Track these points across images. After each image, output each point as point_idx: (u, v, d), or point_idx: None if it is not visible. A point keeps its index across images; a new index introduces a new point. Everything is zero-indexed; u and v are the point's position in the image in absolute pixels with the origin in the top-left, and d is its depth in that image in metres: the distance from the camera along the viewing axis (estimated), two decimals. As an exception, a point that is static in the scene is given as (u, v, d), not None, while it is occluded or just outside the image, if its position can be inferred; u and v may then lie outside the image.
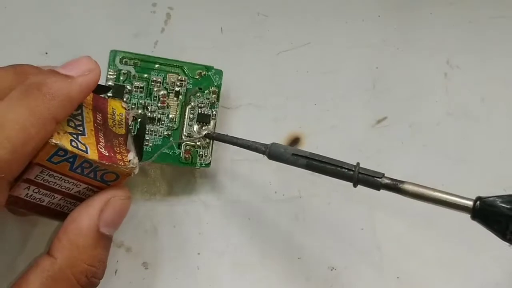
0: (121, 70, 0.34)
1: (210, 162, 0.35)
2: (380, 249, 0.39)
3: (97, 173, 0.28)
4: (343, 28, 0.40)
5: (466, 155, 0.40)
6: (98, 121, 0.29)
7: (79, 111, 0.29)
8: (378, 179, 0.29)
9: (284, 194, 0.38)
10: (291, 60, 0.39)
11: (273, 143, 0.32)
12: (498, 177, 0.40)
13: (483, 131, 0.40)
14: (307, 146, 0.39)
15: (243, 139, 0.33)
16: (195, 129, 0.35)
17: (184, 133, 0.35)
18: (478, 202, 0.26)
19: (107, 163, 0.28)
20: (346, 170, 0.30)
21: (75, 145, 0.27)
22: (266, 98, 0.39)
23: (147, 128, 0.34)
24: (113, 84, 0.34)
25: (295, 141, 0.39)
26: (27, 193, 0.28)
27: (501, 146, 0.40)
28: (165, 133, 0.35)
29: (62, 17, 0.37)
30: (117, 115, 0.31)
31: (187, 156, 0.35)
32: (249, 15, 0.39)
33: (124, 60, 0.34)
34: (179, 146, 0.35)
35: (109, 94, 0.34)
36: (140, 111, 0.34)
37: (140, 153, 0.31)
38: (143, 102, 0.35)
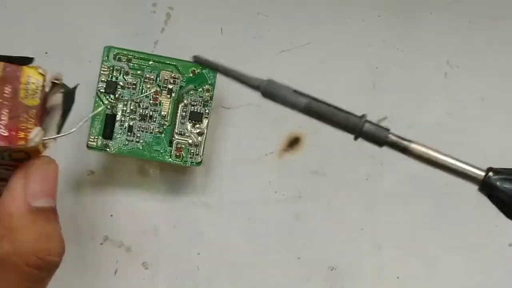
0: (115, 66, 0.34)
1: (201, 160, 0.35)
2: (380, 249, 0.39)
3: (3, 154, 0.27)
4: (343, 28, 0.40)
5: (466, 155, 0.40)
6: (5, 95, 0.27)
7: None
8: (383, 134, 0.26)
9: (284, 194, 0.38)
10: (291, 60, 0.39)
11: (269, 79, 0.27)
12: (498, 177, 0.40)
13: (483, 131, 0.40)
14: (307, 146, 0.39)
15: (235, 70, 0.28)
16: (188, 127, 0.35)
17: (176, 131, 0.35)
18: (489, 173, 0.24)
19: (3, 145, 0.26)
20: (350, 117, 0.26)
21: None
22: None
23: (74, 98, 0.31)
24: (105, 80, 0.34)
25: (295, 141, 0.39)
26: None
27: (501, 146, 0.40)
28: (157, 130, 0.35)
29: (62, 17, 0.37)
30: (32, 83, 0.28)
31: (178, 154, 0.35)
32: (249, 15, 0.39)
33: (118, 56, 0.35)
34: (170, 144, 0.35)
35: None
36: (59, 74, 0.31)
37: (60, 125, 0.29)
38: (135, 99, 0.35)
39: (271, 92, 0.27)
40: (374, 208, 0.39)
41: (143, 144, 0.34)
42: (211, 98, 0.35)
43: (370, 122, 0.27)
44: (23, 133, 0.27)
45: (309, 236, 0.38)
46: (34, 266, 0.26)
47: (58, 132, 0.29)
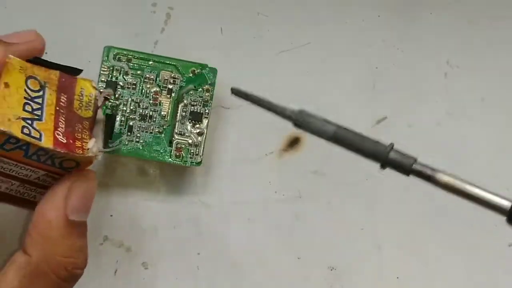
0: (115, 66, 0.35)
1: (201, 160, 0.35)
2: (380, 249, 0.39)
3: (54, 160, 0.27)
4: (343, 28, 0.40)
5: (466, 155, 0.40)
6: (61, 103, 0.28)
7: (40, 93, 0.27)
8: (409, 162, 0.26)
9: (284, 194, 0.38)
10: (291, 60, 0.39)
11: (301, 108, 0.28)
12: (498, 177, 0.40)
13: (483, 131, 0.40)
14: (307, 146, 0.39)
15: (270, 101, 0.29)
16: (188, 127, 0.35)
17: (176, 131, 0.35)
18: None
19: (62, 151, 0.26)
20: (376, 145, 0.26)
21: (27, 132, 0.25)
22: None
23: (117, 115, 0.33)
24: (105, 80, 0.34)
25: (295, 141, 0.39)
26: None
27: (501, 146, 0.40)
28: (157, 130, 0.35)
29: (62, 17, 0.37)
30: (86, 95, 0.29)
31: (178, 154, 0.35)
32: (249, 15, 0.39)
33: (117, 56, 0.35)
34: (170, 144, 0.35)
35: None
36: (111, 91, 0.33)
37: (106, 139, 0.30)
38: (135, 99, 0.35)
39: (302, 121, 0.28)
40: (374, 208, 0.39)
41: (143, 144, 0.35)
42: (211, 98, 0.35)
43: (396, 150, 0.26)
44: (79, 142, 0.28)
45: (309, 236, 0.38)
46: (63, 278, 0.27)
47: (105, 145, 0.30)
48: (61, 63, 0.28)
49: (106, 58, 0.35)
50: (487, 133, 0.40)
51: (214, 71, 0.35)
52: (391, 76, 0.40)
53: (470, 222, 0.38)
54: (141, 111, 0.35)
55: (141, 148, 0.34)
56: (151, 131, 0.35)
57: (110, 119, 0.33)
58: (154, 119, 0.35)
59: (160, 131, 0.35)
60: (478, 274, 0.39)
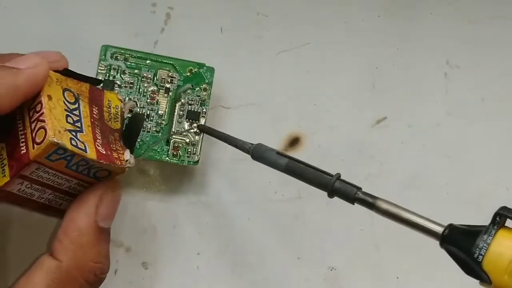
0: (112, 65, 0.35)
1: (198, 160, 0.35)
2: (380, 249, 0.39)
3: (91, 170, 0.28)
4: (343, 28, 0.40)
5: (466, 155, 0.40)
6: (94, 115, 0.29)
7: (76, 105, 0.28)
8: (352, 191, 0.28)
9: (284, 194, 0.38)
10: (291, 60, 0.39)
11: (258, 143, 0.31)
12: (498, 177, 0.40)
13: (483, 131, 0.40)
14: (307, 146, 0.39)
15: (232, 137, 0.32)
16: (185, 126, 0.35)
17: (173, 130, 0.35)
18: (447, 230, 0.25)
19: (105, 163, 0.27)
20: (323, 176, 0.29)
21: (75, 144, 0.26)
22: (266, 98, 0.39)
23: (144, 124, 0.34)
24: (102, 79, 0.34)
25: (295, 141, 0.39)
26: (20, 188, 0.27)
27: (501, 146, 0.40)
28: (154, 129, 0.35)
29: (62, 17, 0.37)
30: (113, 107, 0.30)
31: (175, 153, 0.35)
32: (249, 15, 0.39)
33: (115, 55, 0.35)
34: (167, 143, 0.35)
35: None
36: (135, 104, 0.34)
37: (131, 148, 0.30)
38: (132, 98, 0.35)
39: (258, 154, 0.30)
40: (374, 208, 0.39)
41: (140, 143, 0.34)
42: (209, 97, 0.35)
43: (342, 180, 0.28)
44: (116, 153, 0.29)
45: (309, 236, 0.38)
46: (91, 282, 0.28)
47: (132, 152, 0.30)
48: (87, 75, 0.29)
49: (103, 56, 0.35)
50: (487, 133, 0.40)
51: (211, 70, 0.35)
52: (391, 76, 0.40)
53: (470, 222, 0.38)
54: (138, 110, 0.35)
55: (138, 147, 0.34)
56: (148, 130, 0.35)
57: (133, 125, 0.33)
58: (152, 118, 0.35)
59: (158, 130, 0.35)
60: (478, 274, 0.39)
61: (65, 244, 0.27)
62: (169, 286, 0.37)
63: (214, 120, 0.37)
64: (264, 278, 0.37)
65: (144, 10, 0.38)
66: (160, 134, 0.35)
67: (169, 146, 0.35)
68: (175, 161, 0.35)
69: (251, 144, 0.31)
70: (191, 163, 0.35)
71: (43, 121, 0.26)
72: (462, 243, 0.25)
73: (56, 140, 0.26)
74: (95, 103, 0.29)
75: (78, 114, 0.28)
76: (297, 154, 0.39)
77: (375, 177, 0.39)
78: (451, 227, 0.25)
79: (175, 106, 0.35)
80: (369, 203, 0.28)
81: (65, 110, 0.27)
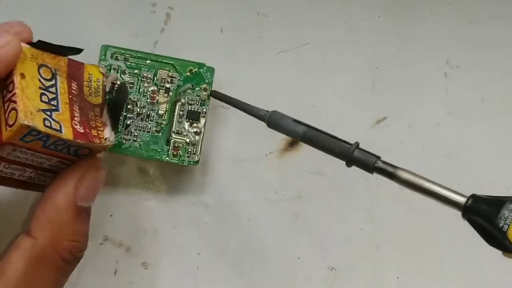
0: (112, 65, 0.35)
1: (198, 160, 0.35)
2: (380, 249, 0.39)
3: (70, 148, 0.27)
4: (343, 28, 0.40)
5: (466, 155, 0.40)
6: (73, 91, 0.28)
7: (53, 81, 0.27)
8: (372, 160, 0.27)
9: (284, 194, 0.38)
10: (291, 60, 0.39)
11: (274, 110, 0.30)
12: (498, 177, 0.40)
13: (483, 131, 0.40)
14: (307, 146, 0.38)
15: (245, 103, 0.31)
16: (185, 126, 0.35)
17: (173, 130, 0.35)
18: (470, 199, 0.25)
19: (82, 142, 0.27)
20: (342, 144, 0.28)
21: (49, 125, 0.25)
22: (266, 98, 0.39)
23: (129, 97, 0.33)
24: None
25: (295, 141, 0.39)
26: None
27: (501, 146, 0.40)
28: (154, 129, 0.35)
29: (62, 17, 0.37)
30: (94, 81, 0.29)
31: (175, 153, 0.35)
32: (249, 15, 0.39)
33: (115, 55, 0.35)
34: (167, 143, 0.35)
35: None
36: (118, 76, 0.33)
37: (115, 124, 0.30)
38: (132, 98, 0.35)
39: (274, 122, 0.30)
40: (374, 208, 0.39)
41: (140, 143, 0.34)
42: (209, 97, 0.35)
43: (360, 149, 0.28)
44: (95, 131, 0.28)
45: (309, 236, 0.38)
46: (67, 260, 0.28)
47: (116, 131, 0.29)
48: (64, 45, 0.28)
49: (103, 57, 0.35)
50: (487, 133, 0.40)
51: (211, 70, 0.35)
52: (391, 76, 0.40)
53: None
54: (138, 110, 0.35)
55: (138, 147, 0.34)
56: (148, 130, 0.35)
57: (118, 98, 0.32)
58: (152, 118, 0.35)
59: (158, 130, 0.35)
60: (478, 274, 0.39)
61: (41, 222, 0.27)
62: (169, 286, 0.37)
63: (214, 120, 0.37)
64: (264, 278, 0.37)
65: (144, 10, 0.38)
66: (160, 134, 0.35)
67: (169, 146, 0.35)
68: (175, 161, 0.35)
69: (267, 111, 0.30)
70: (191, 163, 0.35)
71: (15, 101, 0.25)
72: (486, 213, 0.24)
73: (27, 123, 0.25)
74: (74, 77, 0.28)
75: (54, 91, 0.27)
76: (297, 154, 0.39)
77: (376, 176, 0.39)
78: (474, 197, 0.25)
79: (175, 106, 0.35)
80: (389, 172, 0.27)
81: (40, 88, 0.26)
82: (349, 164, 0.28)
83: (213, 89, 0.35)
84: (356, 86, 0.40)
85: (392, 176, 0.27)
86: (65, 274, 0.28)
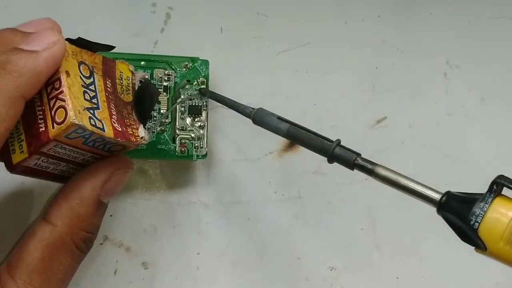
0: None
1: (206, 153, 0.35)
2: (380, 249, 0.39)
3: (106, 145, 0.28)
4: (343, 28, 0.40)
5: (465, 155, 0.40)
6: (108, 88, 0.28)
7: (91, 79, 0.27)
8: (352, 157, 0.28)
9: (284, 194, 0.38)
10: (291, 60, 0.39)
11: (260, 107, 0.31)
12: (498, 177, 0.40)
13: (483, 131, 0.40)
14: (307, 146, 0.39)
15: (232, 100, 0.32)
16: (188, 122, 0.35)
17: (177, 127, 0.35)
18: (445, 196, 0.25)
19: (122, 141, 0.27)
20: (324, 142, 0.29)
21: (94, 123, 0.26)
22: (265, 98, 0.39)
23: (157, 96, 0.32)
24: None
25: (295, 141, 0.39)
26: (36, 163, 0.27)
27: (501, 146, 0.40)
28: (158, 129, 0.35)
29: (61, 17, 0.37)
30: (125, 79, 0.29)
31: (182, 149, 0.35)
32: (249, 15, 0.39)
33: None
34: (173, 141, 0.35)
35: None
36: (146, 76, 0.33)
37: (144, 121, 0.30)
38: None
39: (259, 119, 0.31)
40: (374, 208, 0.39)
41: (147, 144, 0.34)
42: (204, 92, 0.35)
43: (341, 146, 0.28)
44: (130, 129, 0.28)
45: (309, 236, 0.38)
46: (81, 249, 0.28)
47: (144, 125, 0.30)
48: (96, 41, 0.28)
49: None
50: (487, 133, 0.40)
51: (206, 63, 0.35)
52: (391, 76, 0.40)
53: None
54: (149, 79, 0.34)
55: (145, 148, 0.34)
56: (153, 130, 0.35)
57: (146, 96, 0.31)
58: (154, 118, 0.35)
59: (162, 129, 0.35)
60: (478, 274, 0.39)
61: (63, 209, 0.27)
62: (169, 286, 0.37)
63: (214, 120, 0.37)
64: (264, 278, 0.37)
65: (144, 10, 0.38)
66: (165, 133, 0.35)
67: (176, 144, 0.35)
68: (184, 157, 0.35)
69: (253, 108, 0.31)
70: (200, 157, 0.35)
71: (63, 100, 0.25)
72: (458, 210, 0.25)
73: (77, 122, 0.25)
74: (108, 75, 0.28)
75: (94, 89, 0.27)
76: (297, 154, 0.39)
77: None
78: (448, 194, 0.26)
79: (176, 103, 0.35)
80: (368, 169, 0.28)
81: (82, 86, 0.27)
82: (330, 160, 0.29)
83: (208, 86, 0.35)
84: (356, 86, 0.40)
85: (371, 172, 0.27)
86: (78, 261, 0.29)
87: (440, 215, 0.26)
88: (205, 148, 0.35)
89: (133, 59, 0.35)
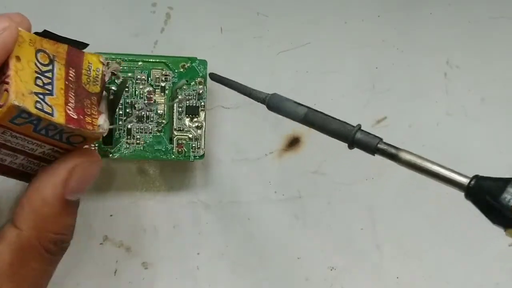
0: None
1: (203, 154, 0.35)
2: (380, 249, 0.39)
3: (63, 135, 0.27)
4: (343, 28, 0.40)
5: (465, 155, 0.40)
6: (70, 78, 0.28)
7: (50, 67, 0.27)
8: (375, 141, 0.27)
9: (284, 194, 0.38)
10: (291, 60, 0.39)
11: (274, 93, 0.30)
12: (498, 176, 0.40)
13: (483, 131, 0.40)
14: (307, 146, 0.39)
15: (245, 86, 0.31)
16: (186, 122, 0.35)
17: (175, 127, 0.35)
18: (473, 180, 0.25)
19: (74, 127, 0.26)
20: (344, 126, 0.28)
21: (40, 107, 0.25)
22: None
23: (127, 90, 0.33)
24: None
25: (295, 141, 0.39)
26: None
27: (501, 146, 0.40)
28: (156, 129, 0.35)
29: (62, 17, 0.37)
30: (93, 70, 0.29)
31: (179, 150, 0.35)
32: (249, 15, 0.39)
33: (107, 61, 0.34)
34: (170, 141, 0.35)
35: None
36: (120, 68, 0.32)
37: (112, 115, 0.29)
38: (129, 101, 0.35)
39: (274, 104, 0.29)
40: (374, 208, 0.39)
41: (144, 145, 0.34)
42: (205, 90, 0.35)
43: (363, 131, 0.28)
44: (89, 118, 0.27)
45: (309, 236, 0.38)
46: (52, 252, 0.27)
47: (111, 122, 0.29)
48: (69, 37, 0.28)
49: None
50: (487, 133, 0.40)
51: (204, 63, 0.35)
52: (391, 76, 0.40)
53: (470, 222, 0.38)
54: (137, 112, 0.34)
55: (142, 149, 0.34)
56: (150, 131, 0.35)
57: (118, 90, 0.32)
58: (152, 119, 0.35)
59: (159, 129, 0.35)
60: (478, 274, 0.39)
61: (26, 213, 0.26)
62: (169, 286, 0.37)
63: (214, 120, 0.37)
64: (264, 278, 0.38)
65: (144, 10, 0.38)
66: (162, 134, 0.35)
67: (173, 144, 0.35)
68: (181, 158, 0.35)
69: (267, 94, 0.30)
70: (197, 157, 0.35)
71: (7, 83, 0.25)
72: (490, 190, 0.24)
73: (17, 103, 0.25)
74: (72, 65, 0.28)
75: (50, 76, 0.27)
76: (297, 154, 0.39)
77: (375, 177, 0.39)
78: (477, 178, 0.25)
79: (173, 103, 0.35)
80: (391, 153, 0.27)
81: (36, 72, 0.26)
82: (351, 146, 0.28)
83: (206, 86, 0.35)
84: (356, 86, 0.40)
85: (394, 157, 0.26)
86: (51, 264, 0.28)
87: (469, 200, 0.25)
88: (202, 149, 0.35)
89: (131, 59, 0.35)
